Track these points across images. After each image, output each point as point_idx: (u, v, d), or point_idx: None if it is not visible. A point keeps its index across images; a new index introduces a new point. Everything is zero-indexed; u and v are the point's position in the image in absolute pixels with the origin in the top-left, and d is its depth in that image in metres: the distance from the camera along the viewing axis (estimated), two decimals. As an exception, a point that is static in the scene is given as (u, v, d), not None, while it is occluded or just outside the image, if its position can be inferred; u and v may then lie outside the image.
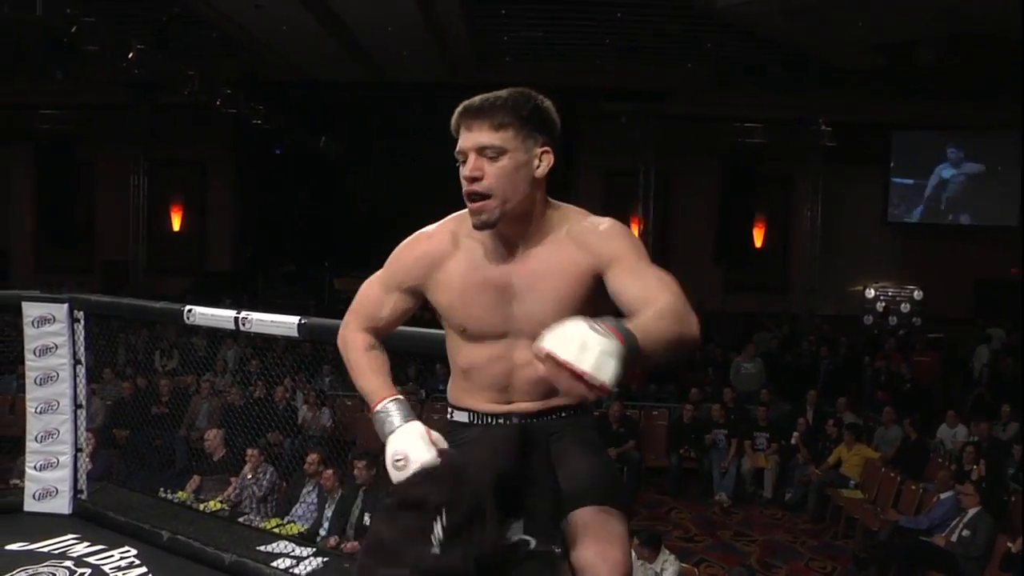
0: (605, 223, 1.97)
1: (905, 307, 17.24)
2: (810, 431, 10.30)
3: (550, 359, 1.46)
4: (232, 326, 3.80)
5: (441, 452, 1.89)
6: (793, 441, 10.25)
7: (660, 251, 17.16)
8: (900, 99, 15.38)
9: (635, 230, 16.72)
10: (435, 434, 1.95)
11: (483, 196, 1.89)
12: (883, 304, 17.26)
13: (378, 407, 2.01)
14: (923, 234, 17.23)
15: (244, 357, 11.18)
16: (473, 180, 1.89)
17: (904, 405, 10.89)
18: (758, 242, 17.57)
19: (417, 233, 2.09)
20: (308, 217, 19.52)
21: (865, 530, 8.51)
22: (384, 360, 2.13)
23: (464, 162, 1.91)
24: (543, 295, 1.93)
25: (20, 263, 18.17)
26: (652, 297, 1.77)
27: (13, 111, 16.57)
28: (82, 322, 4.40)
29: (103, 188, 18.32)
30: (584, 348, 1.45)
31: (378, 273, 2.14)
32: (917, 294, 17.18)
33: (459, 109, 1.92)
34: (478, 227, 1.92)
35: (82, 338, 4.40)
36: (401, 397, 2.02)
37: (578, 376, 1.45)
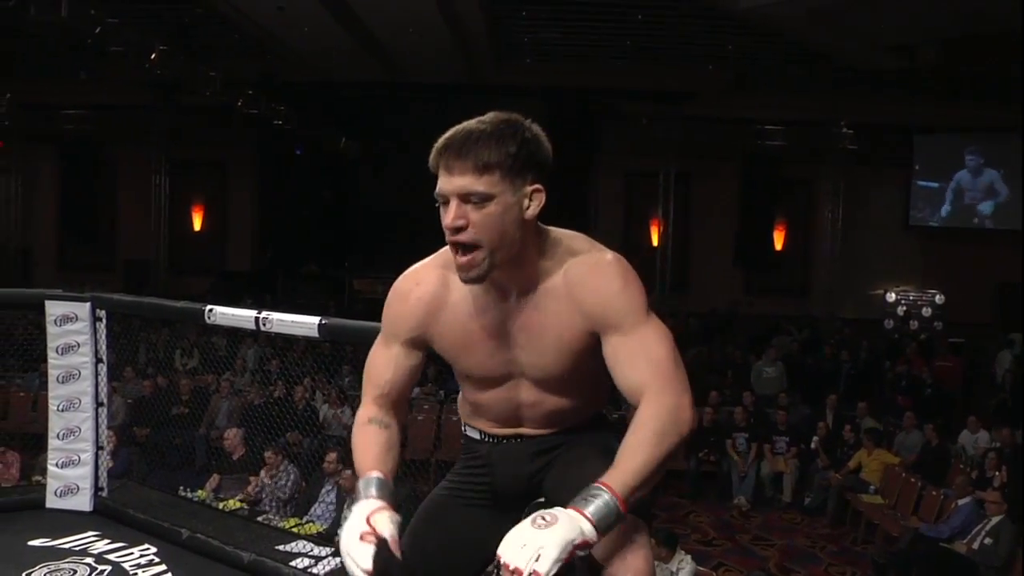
0: (598, 272, 1.79)
1: (926, 311, 17.10)
2: (830, 436, 10.25)
3: (503, 564, 1.56)
4: (253, 326, 3.81)
5: (380, 544, 1.71)
6: (813, 446, 10.20)
7: (680, 253, 17.16)
8: (921, 101, 15.27)
9: (655, 232, 16.90)
10: (384, 517, 1.75)
11: (470, 247, 1.71)
12: (904, 308, 17.13)
13: (358, 483, 1.87)
14: (945, 237, 17.09)
15: (264, 357, 11.23)
16: (457, 230, 1.70)
17: (925, 410, 10.82)
18: (778, 245, 17.49)
19: (404, 277, 1.93)
20: (328, 217, 19.59)
21: (885, 536, 8.46)
22: (379, 434, 1.93)
23: (445, 205, 1.72)
24: (543, 347, 1.83)
25: (43, 262, 18.31)
26: (638, 390, 1.74)
27: (37, 111, 16.70)
28: (104, 321, 4.42)
29: (125, 188, 18.45)
30: (523, 546, 1.55)
31: (379, 334, 2.00)
32: (938, 298, 17.04)
33: (438, 146, 1.72)
34: (466, 282, 1.76)
35: (104, 337, 4.43)
36: (379, 475, 1.84)
37: (515, 572, 1.54)
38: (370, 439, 1.92)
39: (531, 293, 1.81)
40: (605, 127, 17.47)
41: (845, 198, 16.81)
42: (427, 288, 1.88)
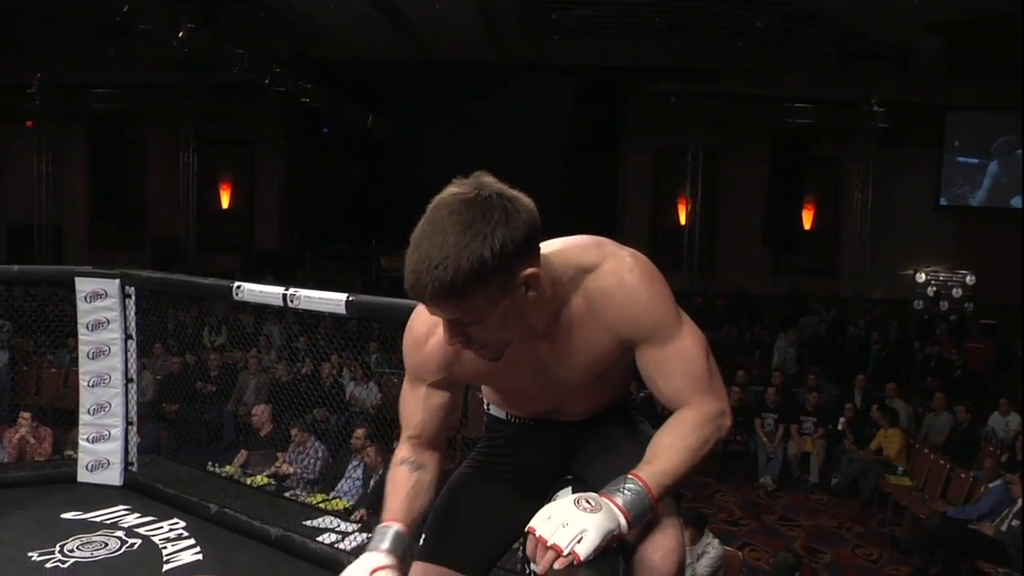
0: (622, 289, 1.69)
1: (957, 292, 16.93)
2: (858, 417, 10.18)
3: (532, 535, 1.57)
4: (280, 303, 3.83)
5: None
6: (840, 427, 10.15)
7: (708, 233, 17.06)
8: (954, 79, 15.04)
9: (683, 211, 16.81)
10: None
11: (479, 349, 1.63)
12: (934, 289, 16.97)
13: (376, 529, 1.82)
14: (977, 218, 16.89)
15: (292, 334, 11.29)
16: (460, 346, 1.62)
17: (954, 392, 10.72)
18: (807, 224, 17.34)
19: (417, 319, 1.82)
20: (356, 195, 19.65)
21: (912, 518, 8.41)
22: (409, 478, 1.87)
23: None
24: (574, 366, 1.78)
25: (73, 240, 18.49)
26: (677, 399, 1.73)
27: (66, 91, 16.81)
28: (133, 297, 4.46)
29: (154, 166, 18.58)
30: (563, 525, 1.55)
31: (406, 374, 1.91)
32: (969, 279, 16.86)
33: (407, 285, 1.51)
34: (489, 360, 1.68)
35: (133, 313, 4.47)
36: (398, 527, 1.78)
37: (552, 547, 1.54)
38: (399, 484, 1.86)
39: (556, 323, 1.72)
40: (633, 105, 17.36)
41: (875, 177, 16.60)
42: (433, 345, 1.80)
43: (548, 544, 1.53)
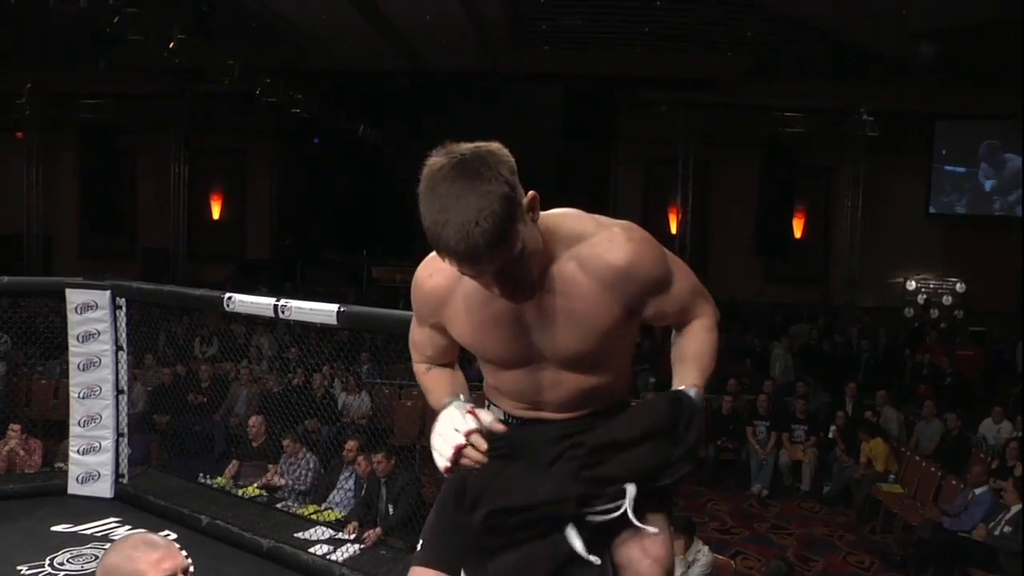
0: (621, 252, 1.78)
1: (947, 299, 16.98)
2: (848, 424, 10.19)
3: None
4: (272, 314, 3.83)
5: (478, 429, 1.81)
6: (831, 434, 10.16)
7: (699, 241, 17.09)
8: (944, 88, 15.12)
9: (674, 220, 16.85)
10: (484, 414, 1.86)
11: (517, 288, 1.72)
12: (924, 296, 17.02)
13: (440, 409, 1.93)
14: (967, 225, 16.96)
15: (283, 344, 11.27)
16: (511, 296, 1.71)
17: (944, 399, 10.75)
18: (798, 232, 17.40)
19: (422, 266, 1.94)
20: (346, 205, 19.64)
21: (904, 525, 8.42)
22: (442, 371, 2.08)
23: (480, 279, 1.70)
24: (564, 330, 1.81)
25: (64, 250, 18.44)
26: (684, 317, 1.99)
27: (57, 101, 16.79)
28: (124, 309, 4.45)
29: (145, 176, 18.56)
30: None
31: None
32: (959, 287, 16.92)
33: (448, 254, 1.60)
34: (523, 301, 1.76)
35: (124, 325, 4.46)
36: (460, 396, 1.94)
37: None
38: (436, 377, 2.07)
39: (544, 279, 1.76)
40: (624, 114, 17.40)
41: (866, 186, 16.67)
42: (438, 280, 1.89)
43: None
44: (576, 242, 1.77)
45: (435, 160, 1.60)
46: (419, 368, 2.10)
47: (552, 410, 1.96)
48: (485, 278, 1.66)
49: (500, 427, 1.83)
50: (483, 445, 1.77)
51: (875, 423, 9.99)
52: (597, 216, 1.85)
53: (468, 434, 1.77)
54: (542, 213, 1.75)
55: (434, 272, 1.89)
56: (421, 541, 2.02)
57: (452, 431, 1.78)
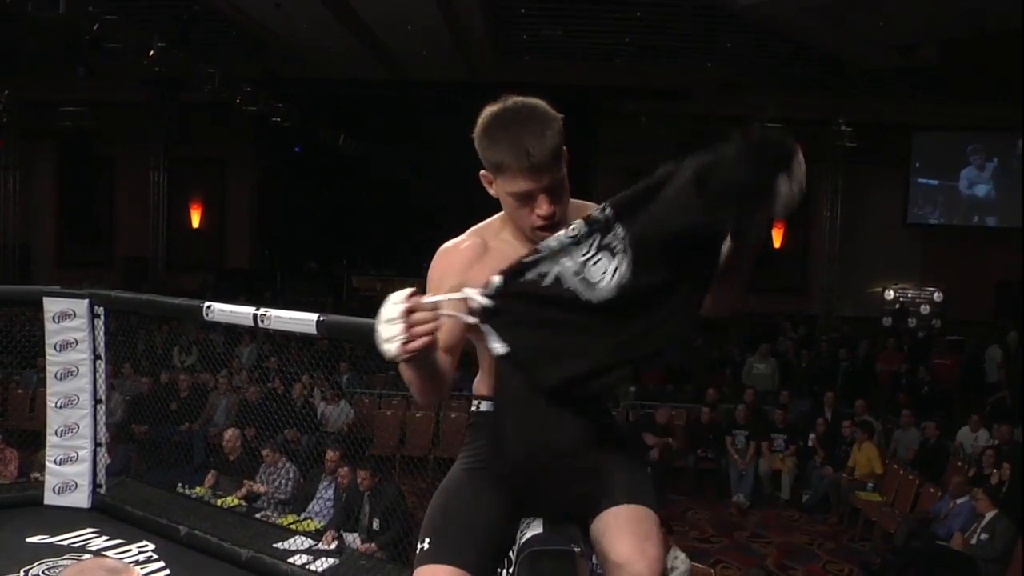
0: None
1: (924, 309, 17.11)
2: (828, 432, 10.25)
3: None
4: (251, 323, 3.82)
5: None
6: (810, 443, 10.21)
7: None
8: (921, 99, 15.27)
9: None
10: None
11: (554, 225, 1.90)
12: (902, 305, 17.15)
13: None
14: (944, 235, 17.12)
15: (263, 353, 11.24)
16: (549, 218, 1.90)
17: (921, 408, 10.82)
18: (777, 243, 17.47)
19: (443, 247, 2.03)
20: (327, 215, 19.60)
21: (883, 533, 8.47)
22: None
23: (526, 200, 1.89)
24: None
25: (41, 259, 18.29)
26: None
27: (35, 108, 16.67)
28: (102, 318, 4.43)
29: (124, 185, 18.46)
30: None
31: None
32: (937, 296, 17.06)
33: (520, 160, 1.84)
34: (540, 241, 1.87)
35: (102, 333, 4.43)
36: None
37: None
38: None
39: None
40: (604, 125, 17.45)
41: (844, 196, 16.79)
42: (468, 244, 2.01)
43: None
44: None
45: (493, 106, 1.92)
46: None
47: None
48: (535, 192, 1.87)
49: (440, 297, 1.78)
50: (426, 303, 1.70)
51: (870, 424, 10.03)
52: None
53: (408, 299, 1.68)
54: None
55: (461, 242, 2.02)
56: (426, 540, 1.99)
57: (391, 306, 1.68)
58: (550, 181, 1.87)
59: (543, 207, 1.89)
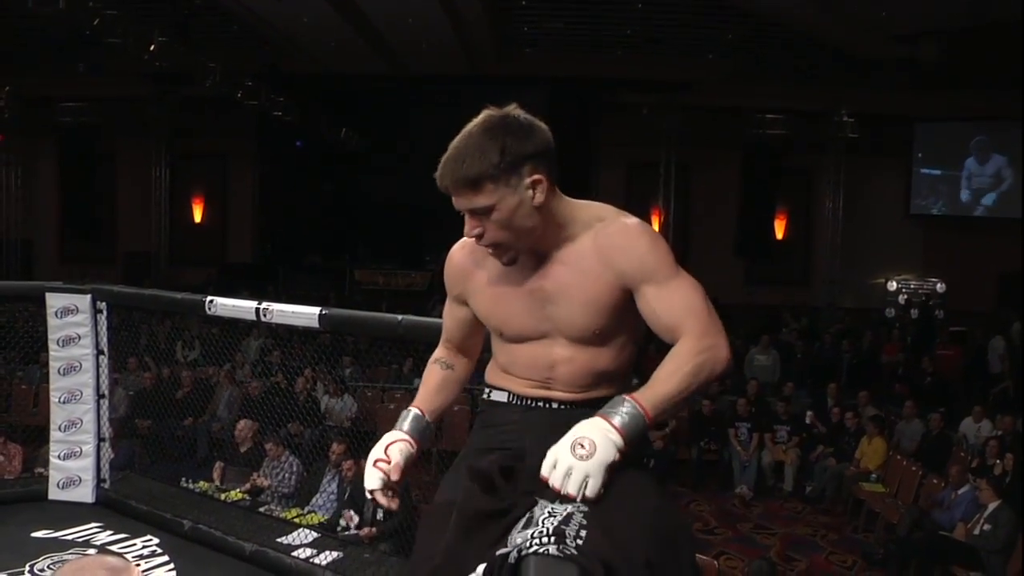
0: (627, 234, 1.93)
1: (927, 299, 17.08)
2: (829, 424, 10.25)
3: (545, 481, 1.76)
4: (253, 317, 3.82)
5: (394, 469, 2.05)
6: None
7: (681, 243, 17.14)
8: (924, 90, 15.23)
9: (656, 222, 16.90)
10: (398, 448, 2.08)
11: (494, 245, 1.91)
12: (905, 297, 17.13)
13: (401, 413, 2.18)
14: (947, 226, 17.09)
15: (265, 348, 11.24)
16: (477, 237, 1.91)
17: (924, 399, 10.81)
18: (779, 234, 17.48)
19: (455, 245, 2.13)
20: (329, 209, 19.60)
21: (886, 524, 8.47)
22: (438, 374, 2.24)
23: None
24: (574, 303, 1.94)
25: (44, 254, 18.32)
26: (676, 330, 1.89)
27: (37, 104, 16.67)
28: (105, 313, 4.42)
29: (125, 180, 18.47)
30: (567, 475, 1.74)
31: None
32: (940, 286, 17.04)
33: (436, 174, 1.88)
34: (505, 264, 1.95)
35: (105, 329, 4.43)
36: (417, 411, 2.16)
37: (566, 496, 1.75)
38: (429, 378, 2.24)
39: (559, 254, 1.96)
40: (605, 117, 17.44)
41: (846, 187, 16.79)
42: (465, 251, 2.09)
43: (562, 492, 1.74)
44: (596, 223, 1.95)
45: (488, 110, 1.89)
46: (433, 355, 2.27)
47: (561, 388, 2.01)
48: (460, 208, 1.88)
49: (395, 476, 2.04)
50: (386, 503, 2.04)
51: (882, 419, 10.02)
52: (621, 211, 2.00)
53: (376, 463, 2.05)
54: (574, 201, 1.98)
55: (463, 247, 2.10)
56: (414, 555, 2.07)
57: (370, 463, 2.07)
58: (467, 206, 1.86)
59: (466, 226, 1.91)
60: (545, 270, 1.96)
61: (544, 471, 1.76)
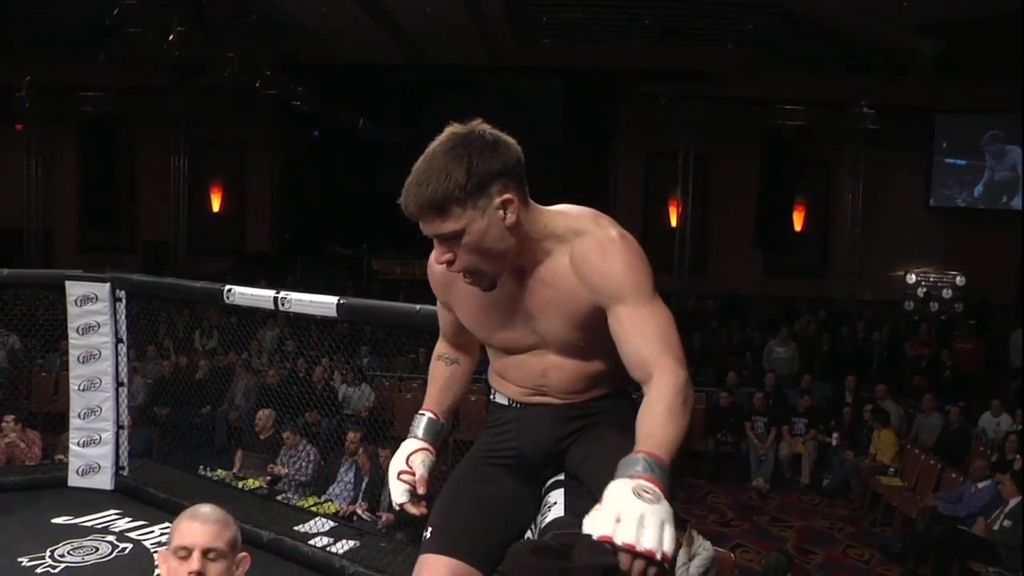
0: (603, 252, 1.81)
1: (947, 293, 16.98)
2: (854, 417, 10.20)
3: (607, 543, 1.40)
4: (271, 306, 3.83)
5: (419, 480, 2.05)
6: (832, 428, 10.19)
7: (699, 235, 17.09)
8: (944, 81, 15.09)
9: (674, 214, 16.82)
10: (420, 458, 2.07)
11: (468, 272, 1.80)
12: (924, 290, 17.01)
13: (416, 414, 2.16)
14: (967, 218, 16.93)
15: (283, 337, 11.27)
16: (448, 263, 1.79)
17: (944, 392, 10.75)
18: (798, 226, 17.36)
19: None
20: (346, 198, 19.62)
21: (904, 518, 8.43)
22: (444, 370, 2.22)
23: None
24: (556, 320, 1.88)
25: (64, 243, 18.43)
26: (652, 364, 1.73)
27: (56, 94, 16.74)
28: (124, 301, 4.45)
29: (145, 170, 18.54)
30: (641, 524, 1.39)
31: None
32: (959, 280, 16.91)
33: (400, 199, 1.76)
34: (484, 291, 1.85)
35: (123, 317, 4.46)
36: (430, 414, 2.14)
37: (642, 555, 1.38)
38: (435, 376, 2.22)
39: (538, 270, 1.86)
40: (623, 107, 17.37)
41: (866, 179, 16.65)
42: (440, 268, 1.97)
43: (639, 550, 1.37)
44: (573, 237, 1.84)
45: (450, 127, 1.79)
46: (436, 348, 2.25)
47: (555, 395, 2.00)
48: (425, 232, 1.77)
49: (422, 489, 2.05)
50: (418, 512, 2.05)
51: (886, 413, 9.97)
52: (602, 217, 1.89)
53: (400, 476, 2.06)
54: (548, 209, 1.88)
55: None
56: (429, 529, 2.05)
57: (394, 475, 2.08)
58: (434, 231, 1.75)
59: (434, 252, 1.81)
60: (525, 287, 1.88)
61: (603, 529, 1.39)
